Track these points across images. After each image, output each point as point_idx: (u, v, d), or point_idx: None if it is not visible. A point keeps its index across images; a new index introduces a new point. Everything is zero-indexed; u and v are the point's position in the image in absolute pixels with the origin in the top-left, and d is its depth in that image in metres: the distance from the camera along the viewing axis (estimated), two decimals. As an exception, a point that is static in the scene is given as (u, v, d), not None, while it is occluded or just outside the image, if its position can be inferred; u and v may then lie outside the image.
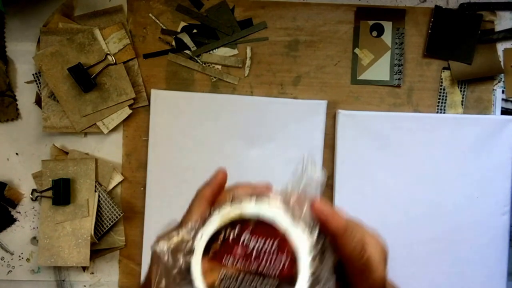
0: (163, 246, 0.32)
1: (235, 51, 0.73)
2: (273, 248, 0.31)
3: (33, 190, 0.73)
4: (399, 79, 0.73)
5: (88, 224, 0.70)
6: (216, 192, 0.36)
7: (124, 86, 0.71)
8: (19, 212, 0.73)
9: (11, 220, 0.73)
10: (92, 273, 0.74)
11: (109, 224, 0.72)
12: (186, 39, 0.73)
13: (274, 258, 0.31)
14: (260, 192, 0.34)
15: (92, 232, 0.70)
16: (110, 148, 0.73)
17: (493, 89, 0.74)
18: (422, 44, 0.74)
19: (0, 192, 0.72)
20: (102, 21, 0.72)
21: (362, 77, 0.74)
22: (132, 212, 0.73)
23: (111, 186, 0.72)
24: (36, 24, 0.72)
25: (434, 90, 0.74)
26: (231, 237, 0.32)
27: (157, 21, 0.73)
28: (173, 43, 0.73)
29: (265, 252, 0.31)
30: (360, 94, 0.74)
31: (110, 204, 0.72)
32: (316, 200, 0.33)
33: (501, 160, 0.72)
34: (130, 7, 0.73)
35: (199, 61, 0.73)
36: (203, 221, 0.33)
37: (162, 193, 0.72)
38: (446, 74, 0.74)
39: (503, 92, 0.74)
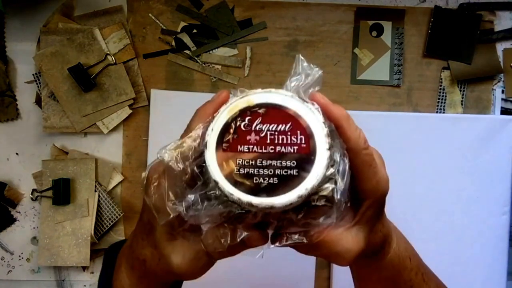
0: (171, 154, 0.31)
1: (235, 51, 0.73)
2: (287, 128, 0.31)
3: (33, 190, 0.73)
4: (398, 79, 0.73)
5: (88, 224, 0.70)
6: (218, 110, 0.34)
7: (124, 86, 0.72)
8: (19, 212, 0.73)
9: (11, 220, 0.73)
10: (92, 272, 0.74)
11: (109, 224, 0.72)
12: (186, 39, 0.73)
13: (289, 136, 0.31)
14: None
15: (92, 232, 0.70)
16: (110, 148, 0.73)
17: (493, 89, 0.74)
18: (422, 44, 0.74)
19: (0, 192, 0.72)
20: (102, 21, 0.73)
21: (362, 77, 0.74)
22: (132, 212, 0.73)
23: (111, 186, 0.73)
24: (36, 24, 0.72)
25: (433, 90, 0.74)
26: (242, 126, 0.31)
27: (157, 21, 0.73)
28: (173, 43, 0.73)
29: (279, 133, 0.31)
30: (359, 94, 0.74)
31: (110, 204, 0.72)
32: (316, 92, 0.34)
33: (501, 160, 0.72)
34: (130, 7, 0.73)
35: (199, 61, 0.73)
36: (207, 126, 0.32)
37: (162, 193, 0.72)
38: (445, 74, 0.74)
39: (502, 92, 0.74)
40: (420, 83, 0.74)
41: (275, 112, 0.31)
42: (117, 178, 0.73)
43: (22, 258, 0.74)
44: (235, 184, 0.30)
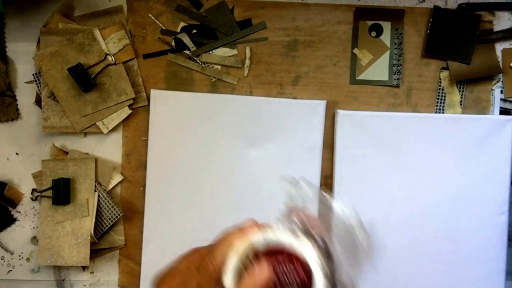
0: None
1: (235, 51, 0.73)
2: (289, 268, 0.37)
3: (33, 190, 0.73)
4: (398, 79, 0.74)
5: (88, 224, 0.70)
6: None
7: (124, 86, 0.72)
8: (19, 212, 0.74)
9: (11, 220, 0.74)
10: (92, 272, 0.74)
11: (109, 223, 0.72)
12: (186, 39, 0.73)
13: (290, 269, 0.37)
14: (249, 228, 0.39)
15: (92, 232, 0.70)
16: (109, 148, 0.73)
17: (492, 89, 0.74)
18: (421, 44, 0.74)
19: (0, 192, 0.73)
20: (102, 21, 0.73)
21: (361, 77, 0.74)
22: (131, 211, 0.73)
23: (111, 186, 0.73)
24: (36, 24, 0.72)
25: (432, 90, 0.74)
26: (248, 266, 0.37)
27: (157, 22, 0.73)
28: (173, 43, 0.73)
29: (283, 272, 0.37)
30: (359, 94, 0.74)
31: (110, 204, 0.72)
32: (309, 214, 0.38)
33: (500, 160, 0.72)
34: (129, 7, 0.73)
35: (198, 61, 0.73)
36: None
37: (162, 193, 0.72)
38: (444, 74, 0.74)
39: (501, 92, 0.74)
40: (419, 83, 0.74)
41: (275, 249, 0.37)
42: (117, 178, 0.73)
43: (22, 258, 0.74)
44: None
